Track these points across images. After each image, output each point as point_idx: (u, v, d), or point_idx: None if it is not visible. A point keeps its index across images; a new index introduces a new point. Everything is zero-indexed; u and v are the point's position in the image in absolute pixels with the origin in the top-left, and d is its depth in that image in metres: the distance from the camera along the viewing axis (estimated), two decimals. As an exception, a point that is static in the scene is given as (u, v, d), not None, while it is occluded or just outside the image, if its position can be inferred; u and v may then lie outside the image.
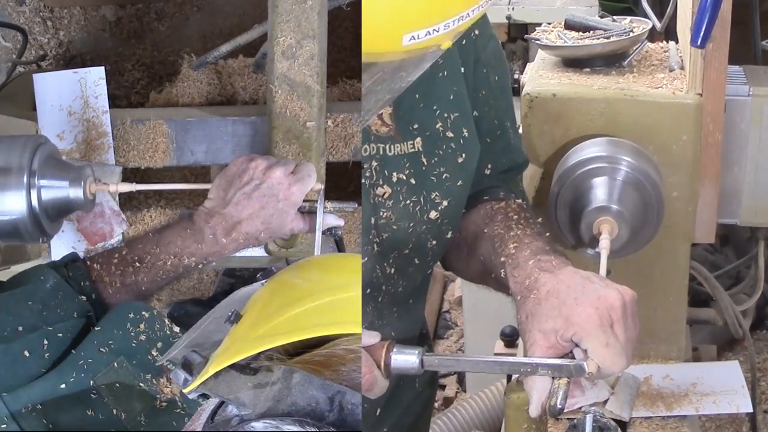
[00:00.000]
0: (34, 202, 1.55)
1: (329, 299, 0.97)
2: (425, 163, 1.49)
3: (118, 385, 1.42)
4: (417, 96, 1.47)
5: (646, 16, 2.12)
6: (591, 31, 1.93)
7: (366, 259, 1.46)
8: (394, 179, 1.46)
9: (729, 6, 1.68)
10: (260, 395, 0.90)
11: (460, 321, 3.56)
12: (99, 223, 1.86)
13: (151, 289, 1.60)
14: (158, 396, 1.45)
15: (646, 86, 1.79)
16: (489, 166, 1.61)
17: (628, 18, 1.99)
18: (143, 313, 1.49)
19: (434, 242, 1.53)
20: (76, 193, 1.59)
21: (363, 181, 1.44)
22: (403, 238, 1.49)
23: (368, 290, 1.48)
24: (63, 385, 1.41)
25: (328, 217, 1.61)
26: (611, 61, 1.89)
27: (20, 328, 1.43)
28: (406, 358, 1.29)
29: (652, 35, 1.99)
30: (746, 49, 2.68)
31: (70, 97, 1.86)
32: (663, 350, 1.91)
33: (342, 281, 1.02)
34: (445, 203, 1.51)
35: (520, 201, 1.60)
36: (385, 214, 1.47)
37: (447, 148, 1.50)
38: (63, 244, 1.87)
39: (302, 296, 0.98)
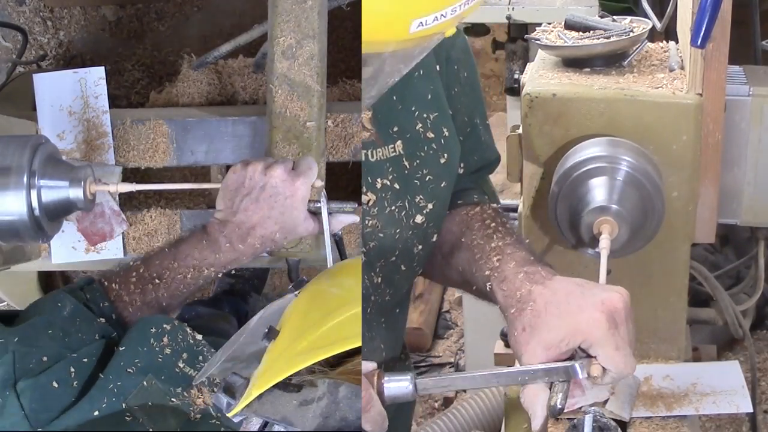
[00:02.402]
0: (34, 202, 1.55)
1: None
2: (407, 167, 1.47)
3: (150, 404, 1.39)
4: (394, 98, 1.44)
5: (646, 16, 2.12)
6: (591, 31, 1.93)
7: None
8: (378, 185, 1.44)
9: (729, 6, 1.67)
10: (307, 412, 0.88)
11: (460, 321, 3.56)
12: (99, 223, 1.86)
13: (172, 304, 1.60)
14: (191, 408, 1.41)
15: (646, 86, 1.79)
16: (462, 164, 1.59)
17: (628, 18, 1.99)
18: (164, 326, 1.47)
19: (420, 247, 1.51)
20: (76, 193, 1.59)
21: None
22: (390, 245, 1.46)
23: None
24: (96, 412, 1.37)
25: (344, 217, 1.58)
26: (611, 61, 1.89)
27: (45, 359, 1.40)
28: (399, 385, 1.24)
29: (652, 35, 1.98)
30: (746, 49, 2.67)
31: (70, 97, 1.86)
32: (663, 350, 1.91)
33: None
34: (430, 206, 1.48)
35: (495, 205, 1.59)
36: (370, 222, 1.44)
37: (429, 150, 1.48)
38: (63, 244, 1.87)
39: (338, 305, 0.95)
